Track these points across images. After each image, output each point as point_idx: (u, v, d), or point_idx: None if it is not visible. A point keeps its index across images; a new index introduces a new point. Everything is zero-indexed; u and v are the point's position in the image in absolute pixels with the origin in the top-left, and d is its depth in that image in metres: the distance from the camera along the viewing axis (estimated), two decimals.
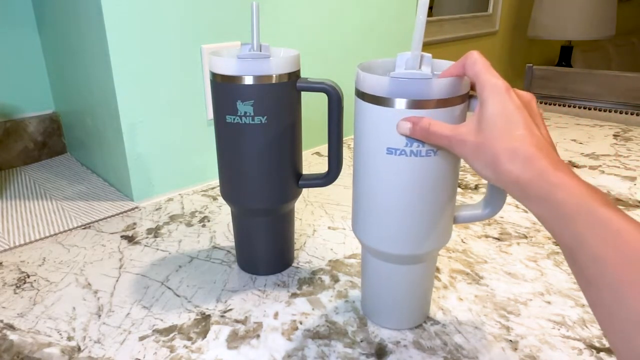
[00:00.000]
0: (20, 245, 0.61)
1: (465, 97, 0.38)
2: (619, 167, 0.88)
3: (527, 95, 0.35)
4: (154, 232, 0.64)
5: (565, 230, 0.30)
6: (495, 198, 0.42)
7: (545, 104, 1.57)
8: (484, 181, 0.80)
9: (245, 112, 0.46)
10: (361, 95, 0.39)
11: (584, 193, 0.29)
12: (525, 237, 0.63)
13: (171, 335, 0.45)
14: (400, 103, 0.36)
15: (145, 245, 0.61)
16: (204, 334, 0.45)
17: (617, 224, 0.27)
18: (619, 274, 0.26)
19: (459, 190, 0.76)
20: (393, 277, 0.44)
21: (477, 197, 0.74)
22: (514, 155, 0.32)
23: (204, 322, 0.47)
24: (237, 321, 0.47)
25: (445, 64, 0.40)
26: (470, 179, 0.82)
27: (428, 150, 0.37)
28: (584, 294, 0.30)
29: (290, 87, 0.48)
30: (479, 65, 0.34)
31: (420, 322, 0.47)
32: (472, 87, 0.37)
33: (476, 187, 0.78)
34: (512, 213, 0.70)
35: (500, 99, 0.33)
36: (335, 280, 0.54)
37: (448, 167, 0.39)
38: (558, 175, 0.30)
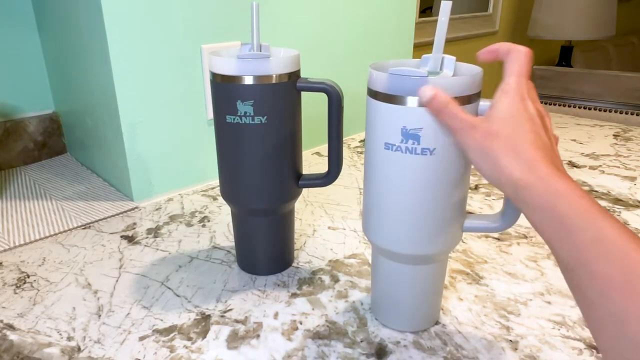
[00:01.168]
0: (20, 245, 0.61)
1: (473, 97, 0.37)
2: (619, 167, 0.88)
3: (543, 111, 0.35)
4: (154, 232, 0.64)
5: (565, 243, 0.28)
6: (509, 214, 0.41)
7: (545, 104, 1.57)
8: (484, 181, 0.80)
9: (245, 112, 0.46)
10: (367, 89, 0.40)
11: (589, 206, 0.28)
12: (525, 237, 0.63)
13: (171, 335, 0.45)
14: (398, 99, 0.36)
15: (145, 245, 0.61)
16: (204, 334, 0.45)
17: (624, 244, 0.26)
18: (624, 299, 0.25)
19: None
20: (399, 276, 0.44)
21: (477, 197, 0.75)
22: (518, 155, 0.31)
23: (204, 322, 0.47)
24: (237, 321, 0.47)
25: (468, 67, 0.40)
26: (470, 178, 0.82)
27: (424, 149, 0.37)
28: (580, 308, 0.28)
29: (290, 87, 0.48)
30: (517, 65, 0.34)
31: (429, 326, 0.46)
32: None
33: (476, 187, 0.78)
34: None
35: (516, 104, 0.33)
36: (335, 280, 0.54)
37: (446, 168, 0.38)
38: (562, 183, 0.29)
